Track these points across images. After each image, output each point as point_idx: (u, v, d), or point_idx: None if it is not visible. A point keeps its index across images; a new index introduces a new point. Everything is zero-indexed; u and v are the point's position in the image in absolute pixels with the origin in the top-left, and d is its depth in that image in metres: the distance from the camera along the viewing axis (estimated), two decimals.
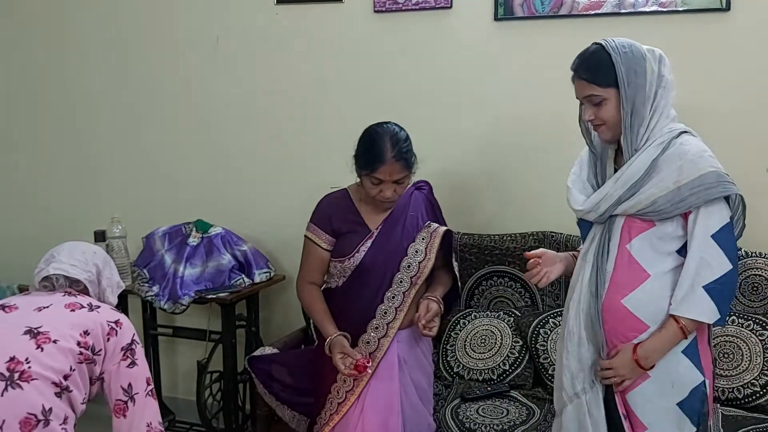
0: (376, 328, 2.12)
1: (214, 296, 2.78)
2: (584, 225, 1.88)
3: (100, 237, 2.99)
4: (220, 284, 2.84)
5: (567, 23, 2.67)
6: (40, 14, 3.40)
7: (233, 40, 3.11)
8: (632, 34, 2.52)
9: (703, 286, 1.66)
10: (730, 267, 1.67)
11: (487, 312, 2.71)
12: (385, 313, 2.13)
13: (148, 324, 3.14)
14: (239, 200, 3.18)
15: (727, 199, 1.70)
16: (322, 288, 2.26)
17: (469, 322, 2.68)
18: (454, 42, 2.81)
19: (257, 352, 2.48)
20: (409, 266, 2.14)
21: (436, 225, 2.21)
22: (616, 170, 1.81)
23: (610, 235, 1.78)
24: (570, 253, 2.02)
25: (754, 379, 2.30)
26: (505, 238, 2.75)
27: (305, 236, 2.23)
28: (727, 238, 1.68)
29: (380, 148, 2.06)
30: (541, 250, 1.99)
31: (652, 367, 1.73)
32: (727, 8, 2.46)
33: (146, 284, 2.85)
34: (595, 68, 1.73)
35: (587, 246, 1.84)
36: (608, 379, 1.76)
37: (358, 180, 2.16)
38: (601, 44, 1.75)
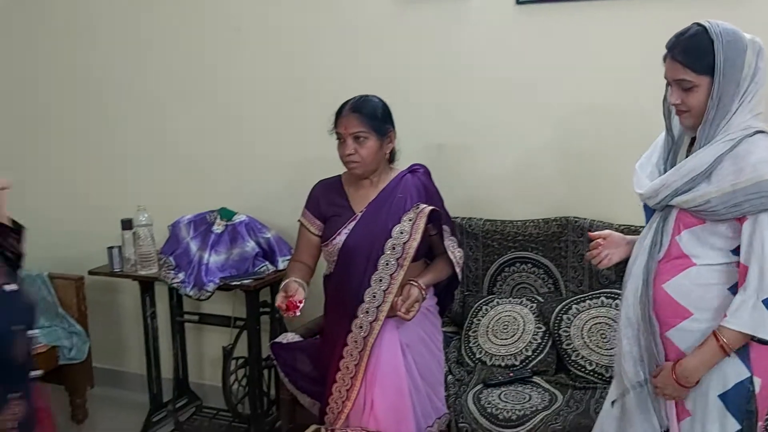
0: (366, 312, 2.13)
1: (238, 283, 2.81)
2: (648, 210, 1.83)
3: (126, 225, 3.04)
4: (245, 271, 2.87)
5: (594, 6, 2.61)
6: (67, 4, 3.44)
7: (255, 28, 3.12)
8: (668, 15, 2.45)
9: (763, 300, 1.58)
10: None
11: (510, 298, 2.70)
12: (374, 296, 2.13)
13: (175, 311, 3.19)
14: (263, 188, 3.20)
15: None
16: (324, 276, 2.32)
17: (491, 308, 2.68)
18: (474, 28, 2.78)
19: (280, 338, 2.51)
20: (393, 248, 2.13)
21: (425, 205, 2.20)
22: None
23: (665, 224, 1.74)
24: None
25: None
26: (527, 224, 2.74)
27: (299, 221, 2.28)
28: None
29: (343, 104, 2.16)
30: (606, 231, 1.95)
31: (697, 382, 1.68)
32: None
33: (172, 271, 2.89)
34: (694, 52, 1.62)
35: (645, 233, 1.79)
36: (662, 396, 1.74)
37: None
38: (704, 27, 1.63)
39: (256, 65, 3.15)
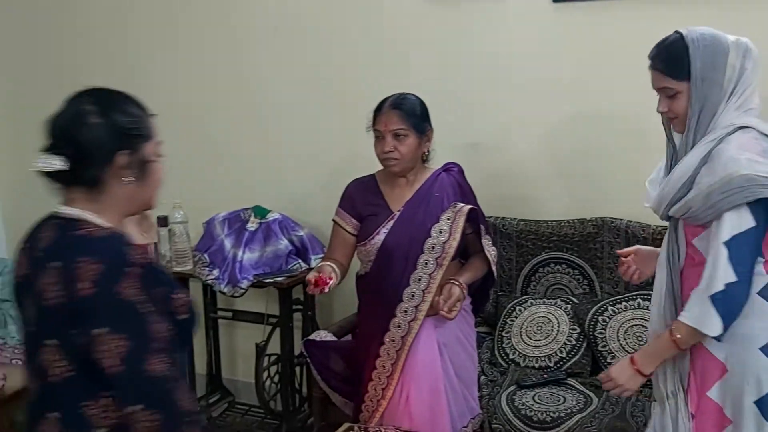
0: (405, 311, 2.12)
1: (271, 280, 2.83)
2: None
3: (162, 222, 3.08)
4: (278, 269, 2.89)
5: (633, 4, 2.58)
6: (106, 2, 3.50)
7: (290, 27, 3.14)
8: (712, 15, 2.43)
9: (710, 296, 1.57)
10: (735, 279, 1.55)
11: (544, 299, 2.68)
12: (413, 295, 2.12)
13: (209, 307, 3.22)
14: (297, 186, 3.22)
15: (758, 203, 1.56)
16: (358, 275, 2.31)
17: (525, 309, 2.66)
18: (510, 27, 2.76)
19: (313, 336, 2.52)
20: (433, 247, 2.12)
21: (462, 204, 2.18)
22: None
23: (677, 234, 1.72)
24: None
25: None
26: (563, 224, 2.71)
27: (333, 221, 2.28)
28: (740, 248, 1.56)
29: (382, 101, 2.16)
30: (635, 247, 1.95)
31: (651, 374, 1.70)
32: None
33: (207, 268, 2.92)
34: (671, 60, 1.65)
35: (662, 245, 1.78)
36: (611, 390, 1.75)
37: None
38: (681, 33, 1.65)
39: (291, 64, 3.16)
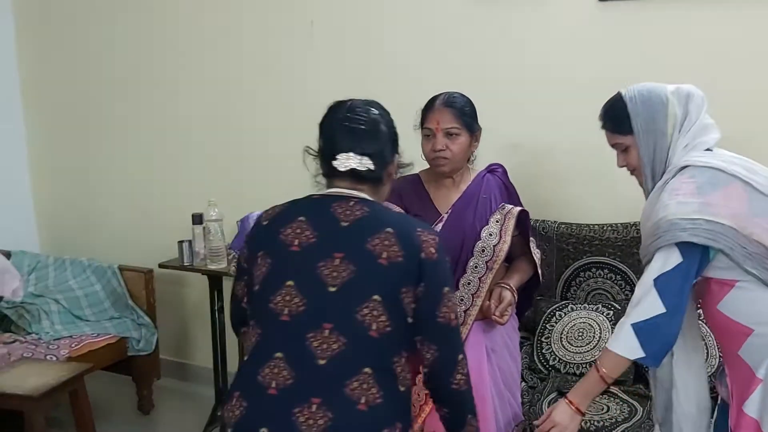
0: None
1: None
2: None
3: (197, 220, 3.07)
4: None
5: (683, 4, 2.51)
6: (134, 3, 3.50)
7: (329, 24, 3.11)
8: (757, 13, 2.38)
9: (632, 324, 1.62)
10: (664, 310, 1.60)
11: (585, 304, 2.62)
12: (462, 299, 2.07)
13: None
14: None
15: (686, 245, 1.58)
16: None
17: (565, 314, 2.60)
18: (554, 26, 2.70)
19: None
20: (483, 250, 2.07)
21: (511, 206, 2.13)
22: None
23: None
24: None
25: None
26: (605, 228, 2.65)
27: None
28: (668, 283, 1.61)
29: (433, 99, 2.10)
30: None
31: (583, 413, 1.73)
32: None
33: None
34: (615, 118, 1.76)
35: None
36: None
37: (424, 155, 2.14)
38: (620, 93, 1.77)
39: (328, 63, 3.13)
